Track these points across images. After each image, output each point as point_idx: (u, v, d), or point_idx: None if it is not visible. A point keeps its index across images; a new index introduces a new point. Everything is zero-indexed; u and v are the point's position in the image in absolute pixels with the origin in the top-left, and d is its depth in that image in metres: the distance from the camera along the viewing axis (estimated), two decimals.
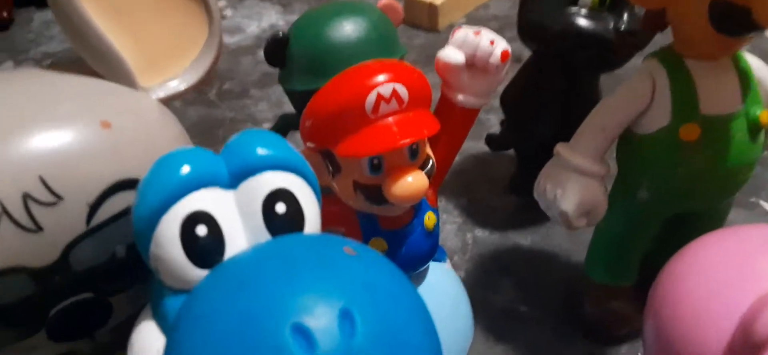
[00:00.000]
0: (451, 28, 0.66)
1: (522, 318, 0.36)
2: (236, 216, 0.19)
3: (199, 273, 0.18)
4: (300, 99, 0.37)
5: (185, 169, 0.19)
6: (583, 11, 0.33)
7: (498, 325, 0.36)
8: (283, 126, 0.41)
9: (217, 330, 0.15)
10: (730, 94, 0.27)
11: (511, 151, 0.44)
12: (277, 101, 0.57)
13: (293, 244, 0.18)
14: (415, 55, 0.62)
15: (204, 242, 0.18)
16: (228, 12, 0.74)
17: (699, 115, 0.26)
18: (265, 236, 0.19)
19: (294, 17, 0.37)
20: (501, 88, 0.41)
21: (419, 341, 0.16)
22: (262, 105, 0.57)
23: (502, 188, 0.45)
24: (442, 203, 0.44)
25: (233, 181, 0.19)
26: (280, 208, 0.19)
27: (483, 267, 0.40)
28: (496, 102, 0.44)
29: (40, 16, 0.71)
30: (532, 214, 0.42)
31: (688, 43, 0.27)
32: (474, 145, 0.48)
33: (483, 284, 0.38)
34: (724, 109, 0.27)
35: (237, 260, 0.17)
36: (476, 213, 0.44)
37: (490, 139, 0.43)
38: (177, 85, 0.25)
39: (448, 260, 0.35)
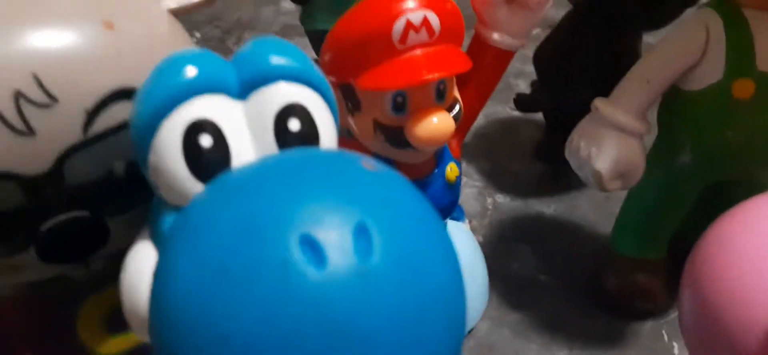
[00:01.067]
0: None
1: (540, 287, 0.34)
2: (245, 129, 0.17)
3: (200, 187, 0.16)
4: (322, 41, 0.36)
5: (191, 70, 0.17)
6: None
7: (514, 293, 0.34)
8: None
9: (214, 241, 0.13)
10: None
11: (539, 117, 0.42)
12: (304, 50, 0.56)
13: (304, 155, 0.16)
14: None
15: (208, 154, 0.16)
16: None
17: (755, 72, 0.24)
18: (275, 152, 0.17)
19: None
20: (534, 47, 0.39)
21: (442, 274, 0.14)
22: None
23: (526, 154, 0.43)
24: (463, 165, 0.42)
25: (244, 90, 0.18)
26: (294, 125, 0.17)
27: (502, 233, 0.38)
28: (527, 67, 0.42)
29: None
30: (558, 182, 0.40)
31: None
32: (500, 109, 0.46)
33: (501, 250, 0.36)
34: None
35: (241, 170, 0.16)
36: (498, 178, 0.42)
37: (520, 100, 0.41)
38: None
39: (466, 221, 0.33)
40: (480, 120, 0.46)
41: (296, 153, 0.16)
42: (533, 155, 0.42)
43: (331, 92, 0.19)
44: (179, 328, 0.13)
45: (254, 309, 0.12)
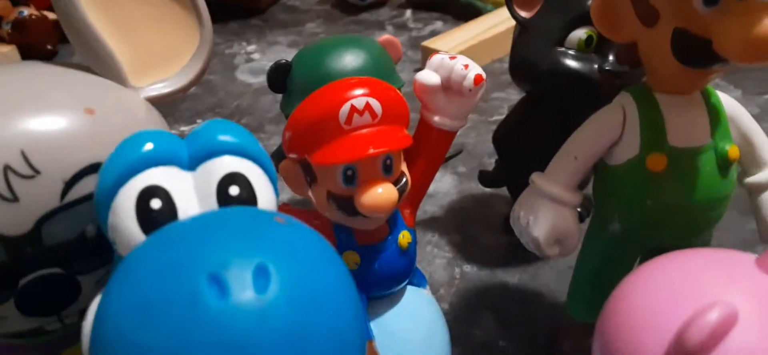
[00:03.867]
0: None
1: (500, 352, 0.36)
2: (192, 195, 0.20)
3: None
4: None
5: (147, 146, 0.20)
6: (570, 52, 0.34)
7: None
8: (279, 157, 0.43)
9: (140, 280, 0.16)
10: (699, 127, 0.27)
11: (506, 190, 0.45)
12: None
13: (227, 213, 0.19)
14: None
15: (156, 214, 0.19)
16: (256, 55, 0.77)
17: (666, 146, 0.27)
18: None
19: None
20: (489, 137, 0.42)
21: (336, 309, 0.16)
22: (275, 139, 0.59)
23: (496, 228, 0.45)
24: (434, 238, 0.45)
25: (193, 163, 0.21)
26: (234, 190, 0.20)
27: (467, 301, 0.40)
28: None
29: None
30: (523, 254, 0.42)
31: (657, 77, 0.27)
32: (473, 185, 0.49)
33: (465, 317, 0.38)
34: (692, 142, 0.27)
35: (173, 224, 0.19)
36: (467, 249, 0.44)
37: (483, 176, 0.44)
38: (164, 86, 0.26)
39: (427, 287, 0.35)
40: (454, 196, 0.49)
41: (222, 211, 0.19)
42: (501, 228, 0.45)
43: (271, 163, 0.22)
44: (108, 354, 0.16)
45: (169, 335, 0.15)
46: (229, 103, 0.66)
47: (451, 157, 0.44)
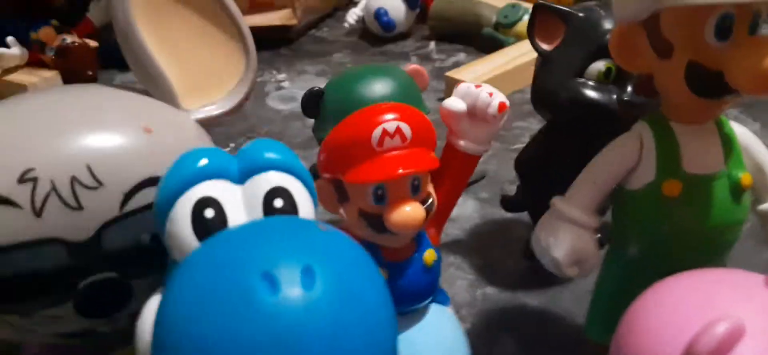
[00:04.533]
0: None
1: None
2: (241, 206, 0.22)
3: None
4: None
5: (203, 161, 0.22)
6: (590, 83, 0.36)
7: None
8: (313, 175, 0.45)
9: (198, 278, 0.18)
10: (713, 155, 0.28)
11: (526, 216, 0.46)
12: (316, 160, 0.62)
13: (275, 220, 0.21)
14: None
15: (209, 222, 0.21)
16: (285, 83, 0.80)
17: (681, 172, 0.28)
18: None
19: None
20: (510, 164, 0.44)
21: (373, 307, 0.18)
22: (303, 162, 0.61)
23: (516, 252, 0.47)
24: (457, 260, 0.46)
25: (242, 177, 0.23)
26: (278, 202, 0.22)
27: (489, 322, 0.41)
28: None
29: (121, 78, 0.79)
30: (543, 277, 0.43)
31: (673, 107, 0.29)
32: (495, 210, 0.50)
33: (486, 337, 0.40)
34: (706, 169, 0.28)
35: (226, 231, 0.21)
36: (489, 272, 0.45)
37: (506, 201, 0.45)
38: (212, 109, 0.29)
39: (450, 306, 0.37)
40: (476, 220, 0.51)
41: (271, 219, 0.21)
42: (522, 253, 0.46)
43: (311, 179, 0.24)
44: (170, 348, 0.18)
45: (226, 327, 0.17)
46: (260, 128, 0.69)
47: (474, 183, 0.46)
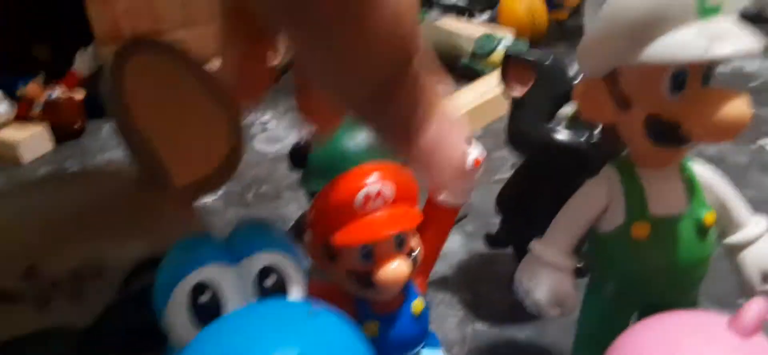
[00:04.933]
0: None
1: None
2: (236, 286, 0.24)
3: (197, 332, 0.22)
4: None
5: (196, 249, 0.24)
6: (560, 127, 0.38)
7: None
8: (301, 226, 0.47)
9: None
10: (677, 197, 0.30)
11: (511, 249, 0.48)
12: (306, 203, 0.63)
13: (267, 307, 0.22)
14: None
15: (205, 306, 0.23)
16: (271, 124, 0.82)
17: (649, 215, 0.30)
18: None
19: None
20: (493, 196, 0.46)
21: None
22: (292, 206, 0.63)
23: (503, 285, 0.48)
24: (446, 297, 0.48)
25: (235, 259, 0.24)
26: (269, 281, 0.24)
27: None
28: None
29: (109, 128, 0.81)
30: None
31: (636, 153, 0.31)
32: (480, 244, 0.52)
33: None
34: (672, 210, 0.30)
35: (223, 318, 0.22)
36: (477, 308, 0.47)
37: (489, 238, 0.47)
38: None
39: (441, 349, 0.38)
40: (463, 255, 0.53)
41: (263, 306, 0.22)
42: (507, 286, 0.48)
43: (299, 255, 0.26)
44: None
45: None
46: (248, 173, 0.70)
47: (457, 221, 0.47)
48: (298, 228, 0.47)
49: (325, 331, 0.20)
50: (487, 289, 0.48)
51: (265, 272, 0.24)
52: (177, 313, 0.23)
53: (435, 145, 0.24)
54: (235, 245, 0.24)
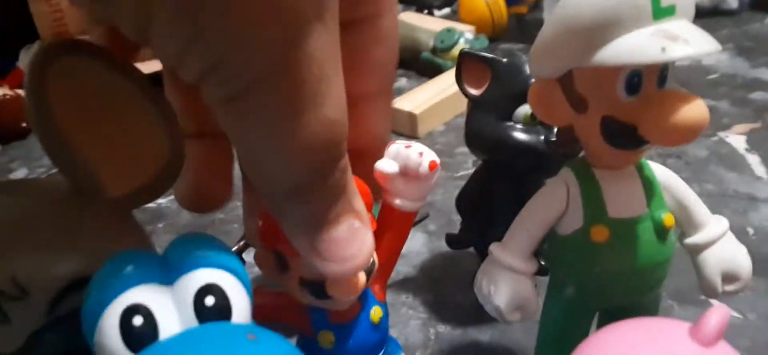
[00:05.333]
0: (430, 135, 0.70)
1: None
2: (172, 308, 0.22)
3: None
4: None
5: (127, 268, 0.22)
6: (518, 126, 0.37)
7: None
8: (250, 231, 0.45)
9: None
10: (635, 199, 0.30)
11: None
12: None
13: (205, 332, 0.21)
14: None
15: (139, 330, 0.21)
16: None
17: (607, 218, 0.29)
18: (195, 324, 0.22)
19: None
20: (456, 193, 0.45)
21: None
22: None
23: (466, 285, 0.47)
24: (408, 299, 0.47)
25: (171, 278, 0.23)
26: (209, 300, 0.22)
27: None
28: None
29: None
30: None
31: (593, 155, 0.30)
32: (443, 243, 0.51)
33: None
34: (630, 212, 0.29)
35: (157, 345, 0.20)
36: (440, 309, 0.46)
37: (450, 239, 0.46)
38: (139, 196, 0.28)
39: (402, 354, 0.37)
40: (425, 255, 0.52)
41: (198, 332, 0.21)
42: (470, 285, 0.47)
43: (244, 271, 0.24)
44: None
45: None
46: None
47: (418, 222, 0.46)
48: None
49: None
50: (450, 289, 0.48)
51: (204, 291, 0.22)
52: (107, 338, 0.21)
53: (340, 242, 0.24)
54: (172, 262, 0.23)
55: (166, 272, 0.23)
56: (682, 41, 0.24)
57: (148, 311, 0.22)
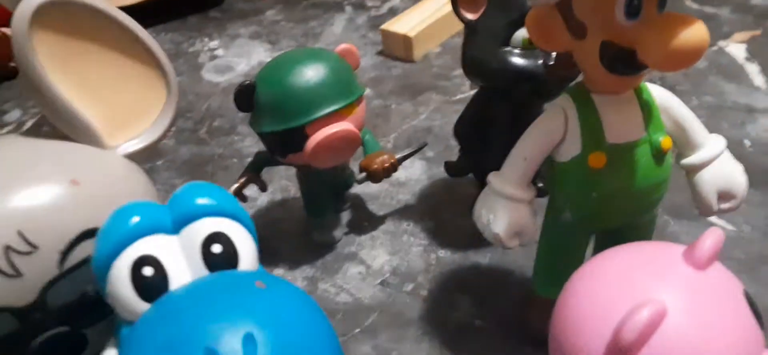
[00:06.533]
0: (426, 58, 0.69)
1: (475, 332, 0.39)
2: (180, 257, 0.23)
3: (144, 306, 0.21)
4: (268, 139, 0.41)
5: (134, 220, 0.22)
6: (516, 51, 0.37)
7: (454, 339, 0.39)
8: (258, 163, 0.45)
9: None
10: (634, 124, 0.30)
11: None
12: None
13: (215, 281, 0.21)
14: (391, 85, 0.65)
15: (150, 281, 0.22)
16: (219, 51, 0.78)
17: (605, 144, 0.29)
18: (204, 272, 0.22)
19: None
20: (454, 118, 0.45)
21: None
22: (248, 140, 0.61)
23: (465, 210, 0.48)
24: (409, 227, 0.48)
25: (177, 227, 0.23)
26: (216, 248, 0.23)
27: (444, 286, 0.43)
28: None
29: None
30: None
31: (592, 81, 0.30)
32: (442, 170, 0.51)
33: (442, 301, 0.41)
34: (628, 137, 0.30)
35: (170, 296, 0.21)
36: (441, 234, 0.47)
37: (449, 167, 0.46)
38: (138, 143, 0.28)
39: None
40: (424, 182, 0.52)
41: (209, 281, 0.21)
42: (470, 210, 0.48)
43: (248, 217, 0.24)
44: None
45: None
46: (200, 106, 0.67)
47: (416, 152, 0.46)
48: (258, 168, 0.45)
49: (274, 306, 0.20)
50: (449, 215, 0.48)
51: (210, 239, 0.23)
52: (119, 288, 0.22)
53: None
54: (177, 212, 0.23)
55: (173, 221, 0.23)
56: None
57: (158, 261, 0.22)
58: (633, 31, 0.26)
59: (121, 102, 0.28)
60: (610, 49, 0.27)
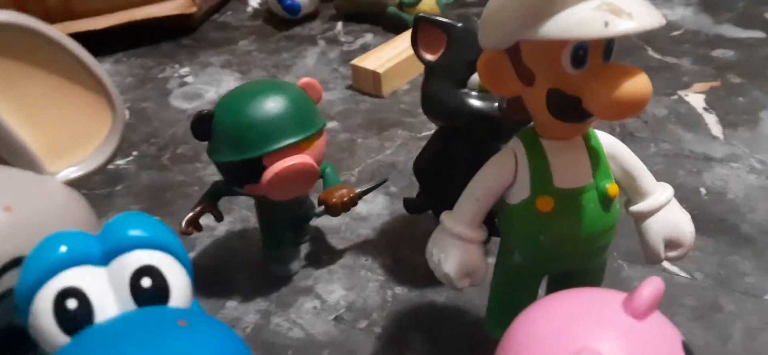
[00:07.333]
0: (394, 94, 0.70)
1: None
2: (108, 290, 0.22)
3: (65, 339, 0.21)
4: (226, 169, 0.41)
5: (61, 249, 0.22)
6: (473, 93, 0.37)
7: None
8: (215, 192, 0.45)
9: None
10: (581, 169, 0.30)
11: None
12: None
13: (136, 317, 0.20)
14: (359, 119, 0.66)
15: (73, 313, 0.21)
16: (189, 78, 0.78)
17: (553, 189, 0.30)
18: (132, 306, 0.22)
19: None
20: (422, 144, 0.45)
21: None
22: (211, 169, 0.60)
23: (423, 247, 0.47)
24: (368, 262, 0.47)
25: (106, 258, 0.22)
26: (146, 282, 0.22)
27: (399, 324, 0.42)
28: None
29: None
30: None
31: (541, 126, 0.30)
32: (402, 207, 0.51)
33: (396, 339, 0.41)
34: (576, 183, 0.30)
35: (89, 331, 0.20)
36: (399, 271, 0.46)
37: (408, 203, 0.46)
38: (79, 170, 0.28)
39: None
40: (386, 217, 0.52)
41: (130, 317, 0.21)
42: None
43: (184, 251, 0.24)
44: None
45: None
46: (164, 132, 0.66)
47: (378, 186, 0.46)
48: (215, 198, 0.44)
49: (198, 345, 0.19)
50: (408, 252, 0.48)
51: (140, 273, 0.22)
52: (41, 320, 0.21)
53: None
54: (109, 243, 0.22)
55: (104, 252, 0.22)
56: (626, 16, 0.24)
57: (83, 293, 0.21)
58: (579, 79, 0.27)
59: (63, 127, 0.28)
60: (556, 96, 0.27)
